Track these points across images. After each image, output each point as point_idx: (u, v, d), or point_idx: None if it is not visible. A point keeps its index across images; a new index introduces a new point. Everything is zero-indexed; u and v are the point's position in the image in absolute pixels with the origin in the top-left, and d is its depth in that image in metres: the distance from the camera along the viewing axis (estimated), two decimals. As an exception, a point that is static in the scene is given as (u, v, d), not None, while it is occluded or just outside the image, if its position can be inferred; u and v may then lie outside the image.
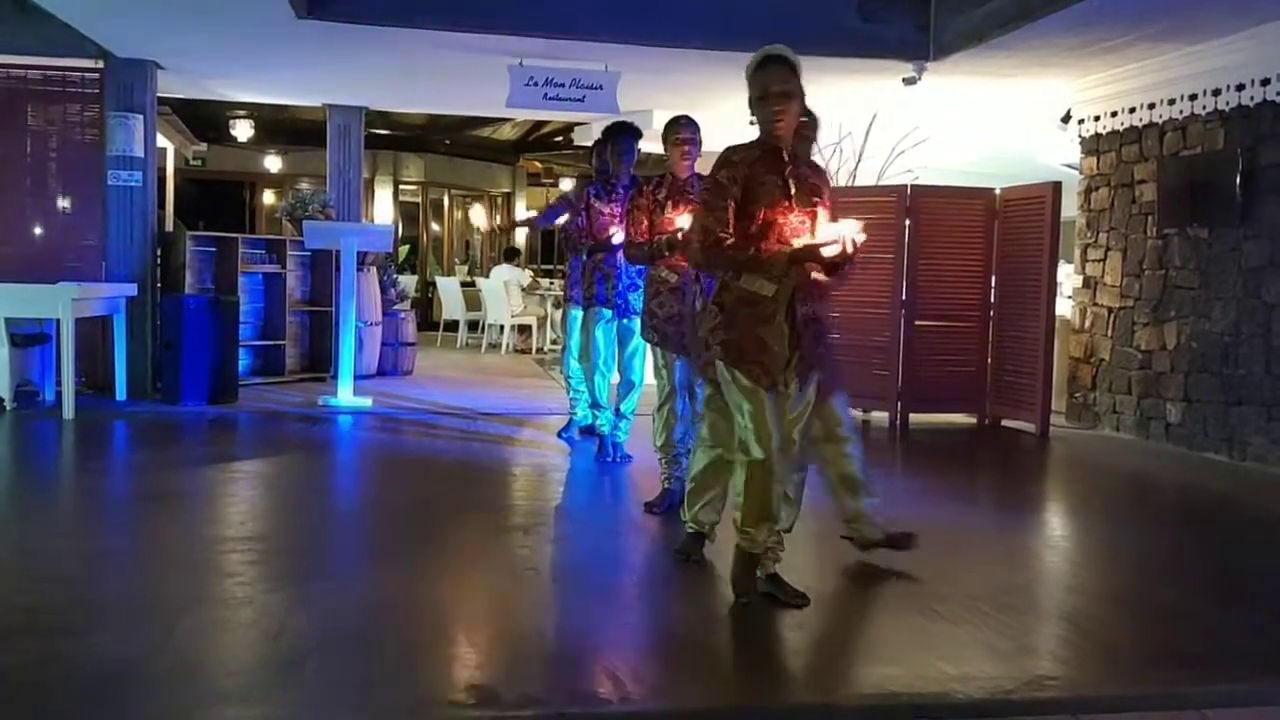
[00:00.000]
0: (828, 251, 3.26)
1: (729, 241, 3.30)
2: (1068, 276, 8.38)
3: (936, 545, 4.15)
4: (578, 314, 6.23)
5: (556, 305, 12.38)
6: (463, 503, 5.03)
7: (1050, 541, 4.85)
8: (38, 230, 8.24)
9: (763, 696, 2.88)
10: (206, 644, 3.09)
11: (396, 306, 10.19)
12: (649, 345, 4.99)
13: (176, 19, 6.96)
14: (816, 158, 4.02)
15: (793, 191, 3.34)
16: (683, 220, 4.56)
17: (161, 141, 10.11)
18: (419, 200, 16.65)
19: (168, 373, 7.74)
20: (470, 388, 9.23)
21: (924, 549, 4.04)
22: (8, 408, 7.06)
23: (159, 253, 8.43)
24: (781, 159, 3.38)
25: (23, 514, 4.80)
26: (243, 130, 13.28)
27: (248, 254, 9.01)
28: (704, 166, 5.05)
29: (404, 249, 15.90)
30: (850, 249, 3.27)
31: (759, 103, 3.37)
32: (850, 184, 8.77)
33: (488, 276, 14.04)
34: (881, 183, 8.56)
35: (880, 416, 7.85)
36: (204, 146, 13.63)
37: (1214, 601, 3.77)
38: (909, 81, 7.43)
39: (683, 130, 4.77)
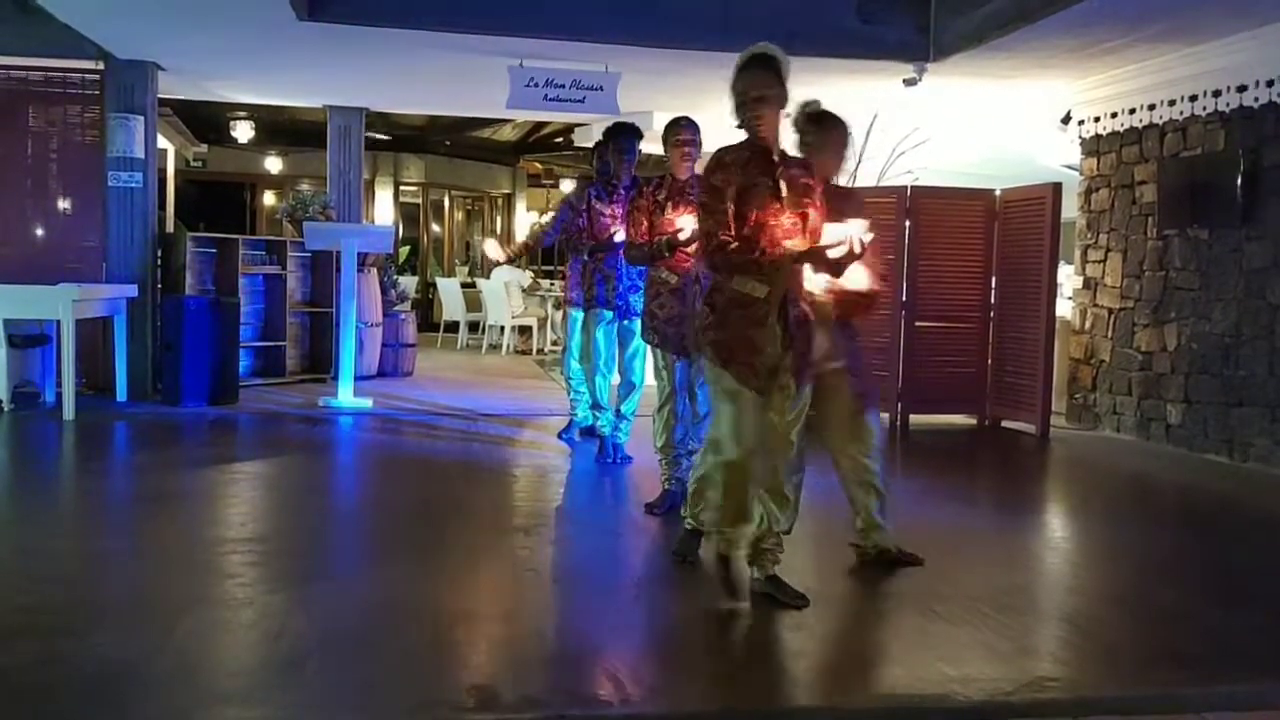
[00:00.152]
0: (833, 253, 3.26)
1: (733, 245, 3.30)
2: (1068, 277, 8.38)
3: (936, 546, 4.15)
4: (578, 315, 6.23)
5: (557, 306, 12.39)
6: (463, 504, 5.03)
7: (1050, 543, 4.85)
8: (38, 231, 8.24)
9: (763, 698, 2.88)
10: (207, 645, 3.09)
11: (397, 307, 10.19)
12: (649, 346, 4.99)
13: (177, 20, 6.96)
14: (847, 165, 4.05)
15: (783, 193, 3.33)
16: (683, 221, 4.56)
17: (162, 143, 10.12)
18: (419, 201, 16.66)
19: (168, 374, 7.74)
20: (471, 389, 9.23)
21: (924, 550, 4.05)
22: (5, 409, 7.06)
23: (159, 254, 8.43)
24: (771, 160, 3.37)
25: (23, 515, 4.80)
26: (243, 131, 13.28)
27: (248, 255, 9.01)
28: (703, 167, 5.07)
29: (404, 250, 15.91)
30: (859, 249, 3.27)
31: (739, 107, 3.38)
32: (850, 185, 8.76)
33: (488, 277, 14.05)
34: (882, 184, 8.56)
35: (880, 417, 7.83)
36: (204, 148, 13.63)
37: (1214, 603, 3.77)
38: (909, 83, 7.43)
39: (683, 131, 4.77)
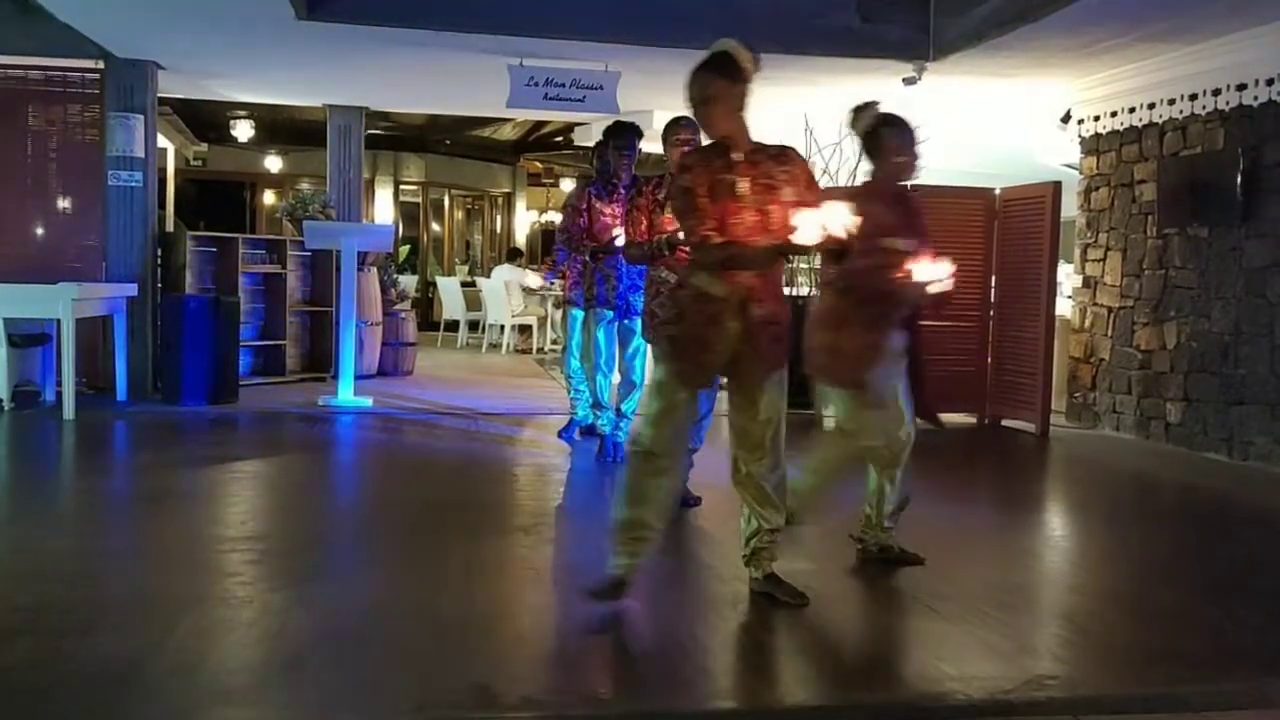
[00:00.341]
0: (800, 238, 3.23)
1: (716, 240, 3.29)
2: (1068, 276, 8.38)
3: (936, 545, 4.15)
4: (579, 314, 6.24)
5: (557, 305, 12.38)
6: (463, 503, 5.03)
7: (1050, 541, 4.85)
8: (38, 230, 8.24)
9: (763, 698, 2.88)
10: (207, 644, 3.09)
11: (397, 306, 10.19)
12: (649, 346, 4.99)
13: (177, 20, 6.96)
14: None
15: (741, 190, 3.29)
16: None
17: (162, 142, 10.11)
18: (419, 200, 16.66)
19: (168, 373, 7.75)
20: (471, 388, 9.23)
21: (924, 548, 4.05)
22: (5, 408, 7.06)
23: (159, 253, 8.43)
24: (729, 158, 3.35)
25: (23, 514, 4.80)
26: (243, 130, 13.28)
27: (248, 254, 9.02)
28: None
29: (404, 249, 15.91)
30: (843, 235, 3.25)
31: (692, 111, 3.41)
32: (850, 184, 8.77)
33: (488, 276, 14.05)
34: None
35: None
36: (204, 147, 13.64)
37: (1214, 602, 3.77)
38: (909, 81, 7.43)
39: (683, 130, 4.78)
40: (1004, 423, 7.83)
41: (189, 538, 4.33)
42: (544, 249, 18.34)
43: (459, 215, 17.75)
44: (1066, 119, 8.13)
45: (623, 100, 7.78)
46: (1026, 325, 7.53)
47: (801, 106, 8.75)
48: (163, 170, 10.58)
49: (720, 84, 3.31)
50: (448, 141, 15.88)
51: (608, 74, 7.71)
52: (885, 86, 7.73)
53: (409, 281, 14.70)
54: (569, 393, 6.63)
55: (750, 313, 3.31)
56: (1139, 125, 7.33)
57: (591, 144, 7.28)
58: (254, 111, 12.76)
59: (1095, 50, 6.83)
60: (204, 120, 12.52)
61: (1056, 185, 7.42)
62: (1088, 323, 7.91)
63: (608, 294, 5.72)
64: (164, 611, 3.28)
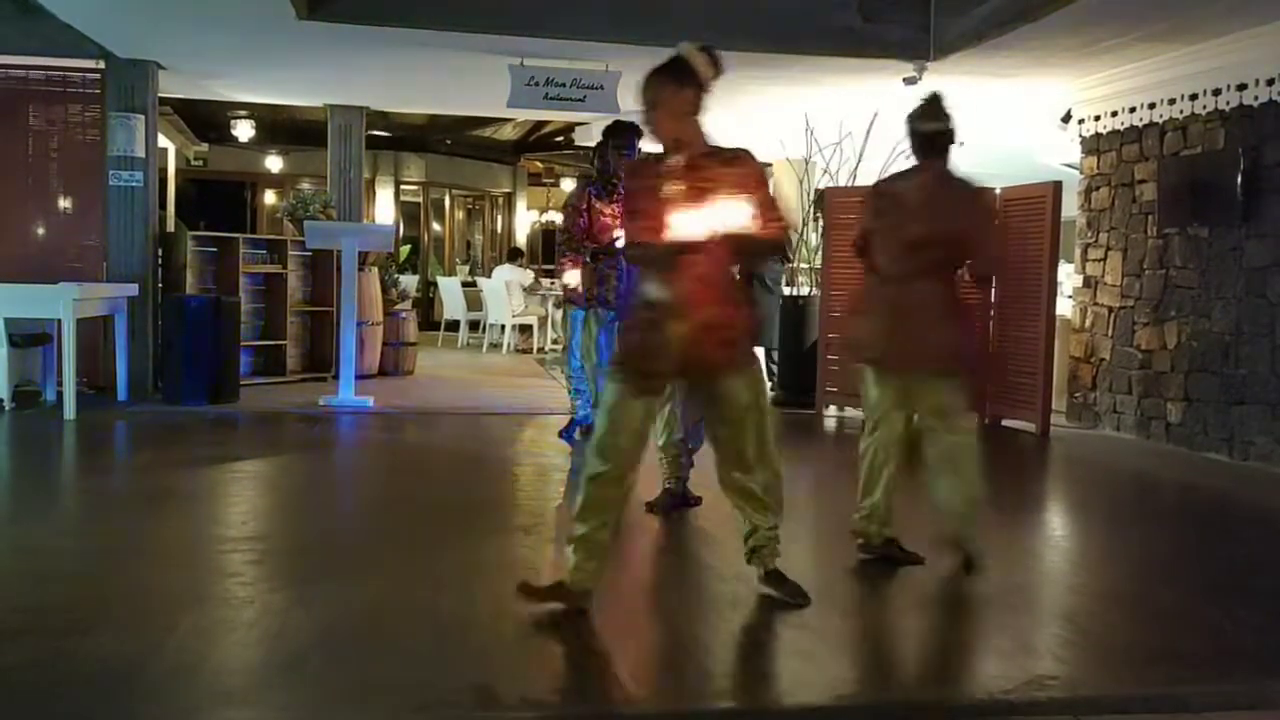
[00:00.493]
0: (684, 235, 3.21)
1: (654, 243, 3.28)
2: (1068, 276, 8.38)
3: (936, 545, 4.14)
4: (579, 314, 6.24)
5: (557, 305, 12.38)
6: (463, 502, 5.03)
7: (1050, 541, 4.85)
8: (39, 230, 8.24)
9: (763, 698, 2.88)
10: (208, 643, 3.09)
11: (398, 306, 10.19)
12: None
13: (177, 20, 6.97)
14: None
15: (670, 193, 3.26)
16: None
17: (162, 142, 10.12)
18: (420, 200, 16.66)
19: (169, 373, 7.75)
20: (471, 387, 9.23)
21: (924, 548, 4.05)
22: (6, 408, 7.07)
23: (160, 253, 8.44)
24: (668, 162, 3.33)
25: (24, 513, 4.80)
26: (244, 130, 13.28)
27: (249, 254, 9.02)
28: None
29: (405, 249, 15.91)
30: (731, 232, 3.21)
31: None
32: (851, 184, 8.77)
33: (489, 276, 14.05)
34: (882, 182, 8.55)
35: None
36: (205, 147, 13.65)
37: (1214, 602, 3.77)
38: (909, 81, 7.43)
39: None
40: (1004, 423, 7.82)
41: (190, 538, 4.33)
42: (544, 249, 18.34)
43: (460, 215, 17.76)
44: (1067, 119, 8.13)
45: (623, 100, 7.78)
46: (1027, 325, 7.52)
47: (802, 106, 8.76)
48: (163, 170, 10.58)
49: (667, 89, 3.27)
50: (448, 141, 15.89)
51: (608, 74, 7.71)
52: (886, 86, 7.74)
53: (410, 281, 14.70)
54: (569, 392, 6.63)
55: (691, 317, 3.26)
56: (1139, 125, 7.32)
57: (592, 144, 7.28)
58: (254, 111, 12.76)
59: (1096, 50, 6.83)
60: (204, 120, 12.52)
61: (1057, 185, 7.41)
62: (1088, 322, 7.91)
63: (608, 294, 5.72)
64: (164, 611, 3.29)
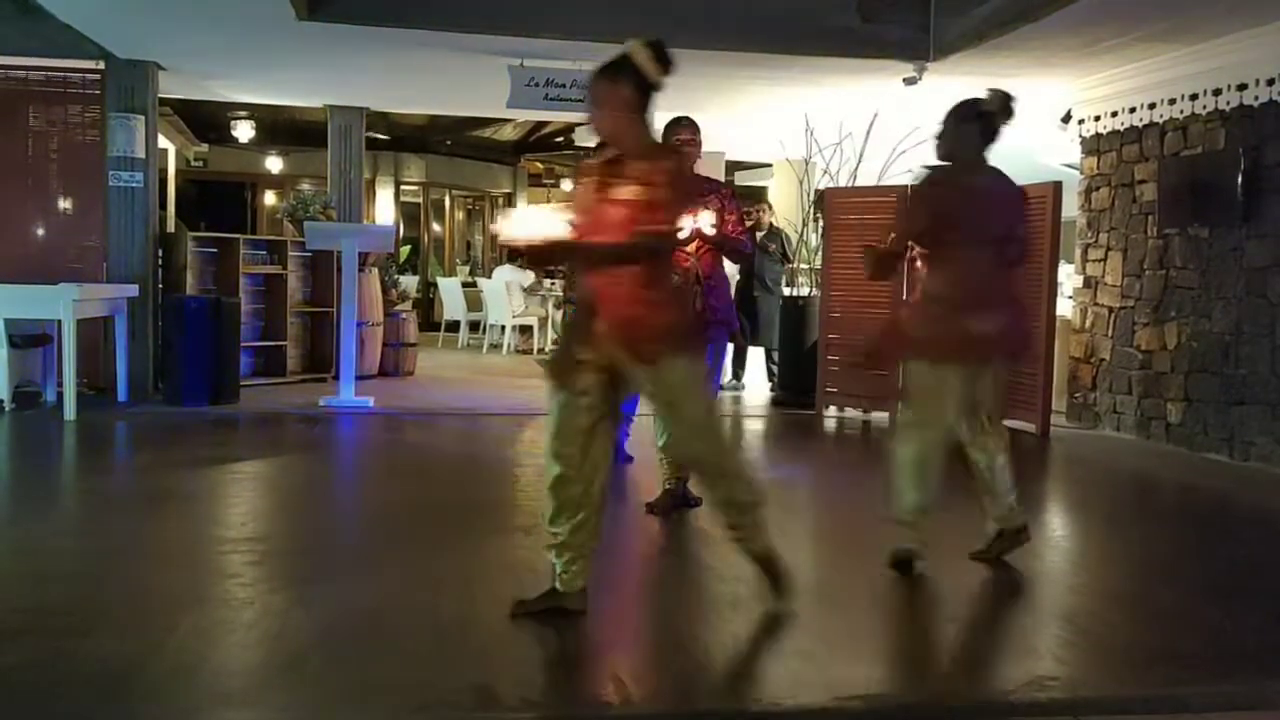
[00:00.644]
0: (506, 237, 3.22)
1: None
2: (1068, 276, 8.37)
3: (936, 545, 4.14)
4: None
5: (558, 306, 12.38)
6: (463, 503, 5.03)
7: (1051, 541, 4.84)
8: (39, 231, 8.25)
9: (762, 698, 2.88)
10: (208, 644, 3.09)
11: (398, 307, 10.20)
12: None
13: (177, 20, 6.97)
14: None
15: (591, 190, 3.26)
16: (681, 220, 4.57)
17: (162, 142, 10.12)
18: (420, 201, 16.67)
19: (169, 374, 7.75)
20: (471, 388, 9.23)
21: (923, 549, 4.04)
22: (6, 409, 7.07)
23: (160, 254, 8.44)
24: (600, 161, 3.33)
25: (24, 514, 4.80)
26: (244, 131, 13.29)
27: (249, 255, 9.02)
28: (703, 167, 5.07)
29: (405, 249, 15.92)
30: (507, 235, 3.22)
31: None
32: (851, 184, 8.77)
33: (489, 277, 14.04)
34: (882, 183, 8.56)
35: (881, 417, 7.85)
36: (205, 147, 13.65)
37: (1214, 602, 3.77)
38: (909, 82, 7.43)
39: (683, 131, 4.78)
40: (1004, 423, 7.81)
41: (190, 539, 4.33)
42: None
43: (460, 216, 17.75)
44: (1067, 119, 8.13)
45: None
46: (1027, 325, 7.51)
47: (802, 106, 8.76)
48: (163, 171, 10.59)
49: (602, 85, 3.26)
50: (448, 142, 15.89)
51: (608, 75, 7.70)
52: (886, 87, 7.74)
53: (410, 282, 14.71)
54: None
55: (604, 315, 3.24)
56: (1139, 125, 7.32)
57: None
58: (254, 112, 12.77)
59: (1096, 50, 6.83)
60: (204, 121, 12.53)
61: (1057, 185, 7.41)
62: (1088, 323, 7.91)
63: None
64: (164, 612, 3.29)
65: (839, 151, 8.87)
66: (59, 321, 7.05)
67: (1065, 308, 8.22)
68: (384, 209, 15.53)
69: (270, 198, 15.72)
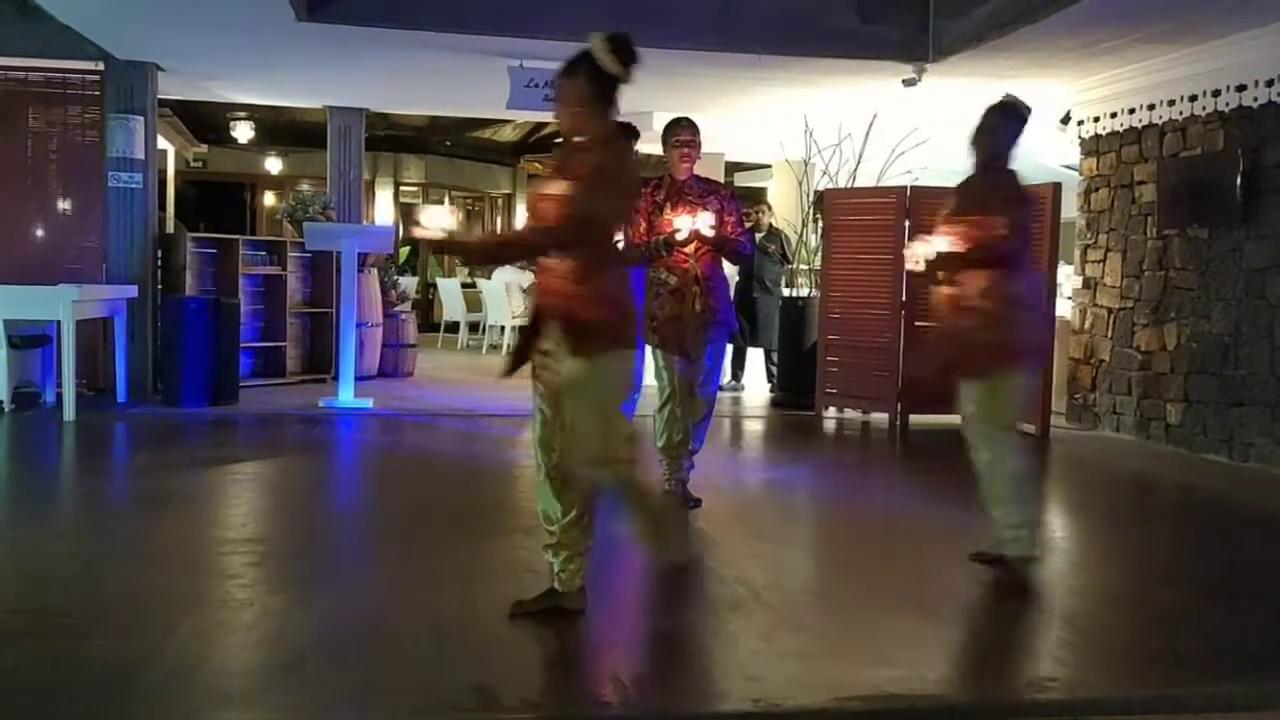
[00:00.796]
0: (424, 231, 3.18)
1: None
2: (1068, 277, 8.38)
3: (936, 546, 4.15)
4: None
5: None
6: (463, 504, 5.03)
7: (1050, 542, 4.83)
8: (38, 232, 8.24)
9: (762, 698, 2.88)
10: (207, 645, 3.09)
11: (397, 308, 10.19)
12: (649, 347, 4.99)
13: (177, 21, 6.96)
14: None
15: (533, 185, 3.32)
16: (680, 221, 4.59)
17: (162, 143, 10.12)
18: (420, 201, 16.66)
19: (168, 374, 7.75)
20: (471, 389, 9.23)
21: (924, 550, 4.05)
22: (6, 409, 7.06)
23: (160, 254, 8.44)
24: (556, 155, 3.36)
25: (23, 516, 4.79)
26: (243, 132, 13.29)
27: (248, 255, 9.02)
28: (703, 168, 5.07)
29: (405, 250, 15.91)
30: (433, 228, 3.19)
31: None
32: (850, 185, 8.78)
33: (488, 278, 14.04)
34: (881, 184, 8.57)
35: (880, 418, 7.86)
36: (204, 148, 13.64)
37: (1214, 603, 3.77)
38: (909, 82, 7.43)
39: (682, 132, 4.78)
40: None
41: (189, 540, 4.33)
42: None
43: (459, 216, 17.75)
44: (1066, 120, 8.13)
45: (622, 101, 7.77)
46: (1026, 326, 7.51)
47: (801, 107, 8.76)
48: (163, 172, 10.59)
49: (561, 82, 3.26)
50: (448, 143, 15.89)
51: (607, 75, 7.70)
52: (885, 88, 7.75)
53: (409, 283, 14.70)
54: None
55: (540, 302, 3.24)
56: (1139, 126, 7.33)
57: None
58: (254, 113, 12.77)
59: (1095, 51, 6.83)
60: (204, 121, 12.52)
61: (1056, 186, 7.42)
62: (1088, 324, 7.91)
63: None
64: (164, 614, 3.29)
65: (838, 152, 8.88)
66: (58, 322, 7.05)
67: (1065, 309, 8.23)
68: (383, 210, 15.53)
69: (270, 198, 15.72)
